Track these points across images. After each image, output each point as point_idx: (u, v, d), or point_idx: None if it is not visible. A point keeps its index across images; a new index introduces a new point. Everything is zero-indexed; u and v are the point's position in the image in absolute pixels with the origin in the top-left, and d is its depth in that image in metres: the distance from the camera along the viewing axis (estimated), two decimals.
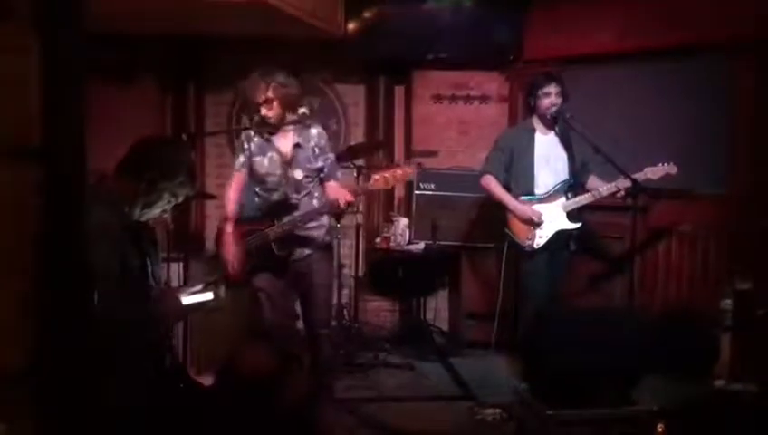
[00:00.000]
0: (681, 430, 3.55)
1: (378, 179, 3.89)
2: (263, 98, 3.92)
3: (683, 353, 4.53)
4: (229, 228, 4.00)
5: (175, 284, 4.25)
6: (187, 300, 2.70)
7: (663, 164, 4.45)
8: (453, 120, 6.13)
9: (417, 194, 5.77)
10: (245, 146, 4.08)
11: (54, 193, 1.87)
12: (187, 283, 3.66)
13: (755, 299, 4.30)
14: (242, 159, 4.09)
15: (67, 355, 1.88)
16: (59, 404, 1.85)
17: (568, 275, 4.89)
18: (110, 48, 4.90)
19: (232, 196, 4.08)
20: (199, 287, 2.75)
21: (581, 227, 4.68)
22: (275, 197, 4.04)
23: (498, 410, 4.11)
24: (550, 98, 4.59)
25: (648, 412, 3.45)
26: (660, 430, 3.21)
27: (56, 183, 1.88)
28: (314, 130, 4.09)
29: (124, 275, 2.45)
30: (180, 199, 2.75)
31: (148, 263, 2.65)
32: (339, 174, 4.18)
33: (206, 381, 3.03)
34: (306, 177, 4.02)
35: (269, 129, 4.01)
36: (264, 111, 3.94)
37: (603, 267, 5.34)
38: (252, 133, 4.10)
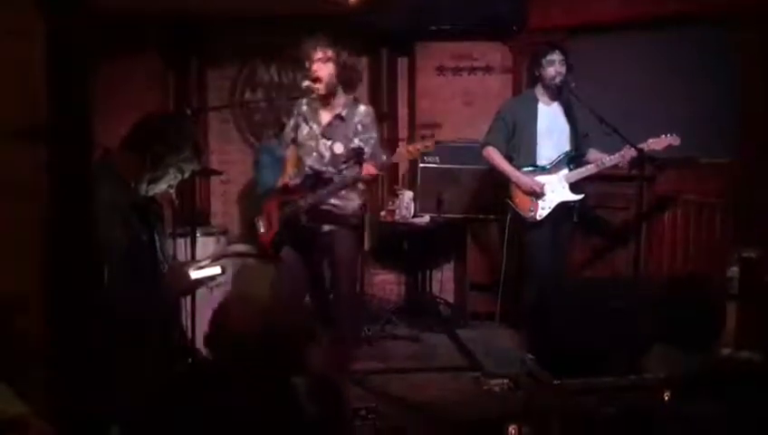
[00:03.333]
0: (688, 398, 3.57)
1: (402, 152, 3.90)
2: (320, 55, 3.89)
3: (689, 322, 4.53)
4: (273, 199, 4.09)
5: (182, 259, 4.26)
6: (195, 274, 2.71)
7: (666, 135, 4.43)
8: (457, 91, 6.09)
9: (421, 167, 5.75)
10: (295, 113, 4.11)
11: (61, 171, 1.87)
12: (193, 258, 3.66)
13: (762, 267, 4.30)
14: (288, 130, 4.13)
15: (78, 329, 1.90)
16: (72, 375, 1.88)
17: (573, 246, 4.90)
18: (114, 25, 4.87)
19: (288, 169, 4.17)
20: (207, 261, 2.76)
21: (585, 198, 4.68)
22: (310, 168, 4.04)
23: (505, 381, 4.13)
24: (554, 66, 4.56)
25: (655, 381, 3.46)
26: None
27: (62, 162, 1.88)
28: (363, 108, 4.07)
29: (132, 251, 2.46)
30: (186, 174, 2.75)
31: (156, 238, 2.65)
32: (384, 157, 4.09)
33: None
34: (344, 153, 3.98)
35: (310, 97, 4.01)
36: (316, 70, 3.90)
37: (608, 238, 5.34)
38: (303, 102, 4.07)
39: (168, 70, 6.03)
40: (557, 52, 4.56)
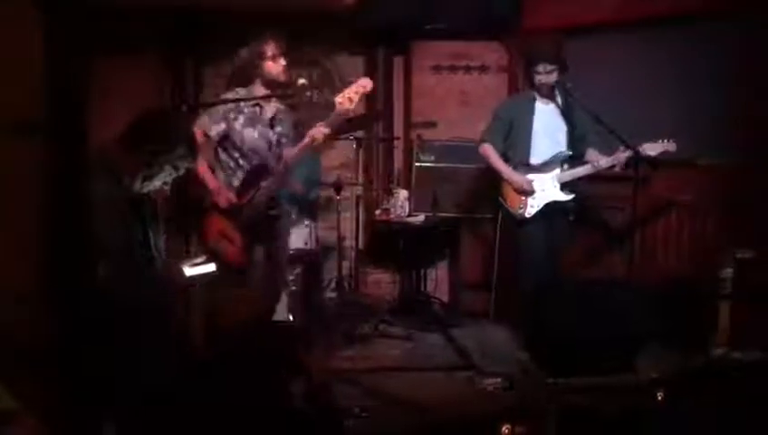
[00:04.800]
0: (681, 398, 3.58)
1: (341, 102, 4.00)
2: (271, 53, 4.06)
3: (682, 322, 4.55)
4: (233, 197, 4.10)
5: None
6: (189, 271, 2.71)
7: (663, 141, 4.44)
8: (452, 90, 6.09)
9: (416, 166, 5.76)
10: (231, 116, 4.16)
11: (57, 166, 1.87)
12: (188, 255, 3.66)
13: (756, 268, 4.32)
14: (222, 126, 4.16)
15: (73, 325, 1.89)
16: (66, 369, 1.87)
17: (568, 245, 4.91)
18: (111, 20, 4.85)
19: (209, 169, 4.20)
20: (202, 259, 2.76)
21: (578, 198, 4.71)
22: (254, 163, 4.17)
23: (499, 380, 4.13)
24: (541, 75, 4.61)
25: (649, 380, 3.47)
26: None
27: (59, 157, 1.88)
28: (280, 105, 4.32)
29: (126, 247, 2.46)
30: (181, 171, 2.75)
31: (150, 235, 2.65)
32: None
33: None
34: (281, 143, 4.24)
35: (278, 90, 4.15)
36: (269, 68, 4.09)
37: (604, 237, 5.35)
38: (242, 104, 4.14)
39: (164, 67, 6.01)
40: (547, 63, 4.58)
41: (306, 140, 4.08)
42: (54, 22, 1.80)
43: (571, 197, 4.68)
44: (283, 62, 4.15)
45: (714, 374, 4.11)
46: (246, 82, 4.23)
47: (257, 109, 4.23)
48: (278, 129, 4.27)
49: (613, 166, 4.53)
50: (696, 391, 3.84)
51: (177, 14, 5.80)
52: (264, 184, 4.13)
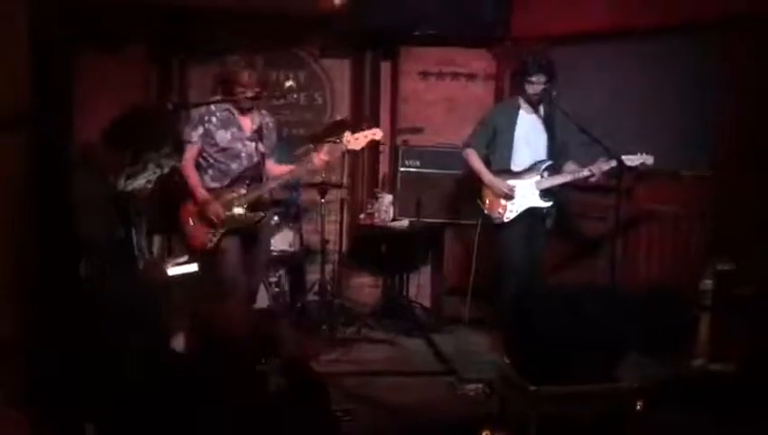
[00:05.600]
0: (660, 408, 3.60)
1: (349, 140, 4.29)
2: (245, 82, 4.19)
3: (663, 332, 4.58)
4: (205, 194, 4.17)
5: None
6: (171, 271, 2.70)
7: (641, 154, 4.49)
8: (439, 96, 6.11)
9: (401, 171, 5.78)
10: (207, 119, 4.24)
11: (42, 161, 1.85)
12: (170, 254, 3.64)
13: (736, 280, 4.35)
14: (200, 130, 4.22)
15: (54, 322, 1.88)
16: (47, 370, 1.86)
17: (547, 250, 4.95)
18: (97, 17, 4.82)
19: (193, 167, 4.23)
20: (184, 259, 2.75)
21: (556, 205, 4.77)
22: (235, 167, 4.25)
23: (480, 386, 4.14)
24: (535, 86, 4.66)
25: (629, 389, 3.48)
26: None
27: (44, 151, 1.86)
28: (264, 111, 4.49)
29: (109, 245, 2.45)
30: (166, 170, 2.74)
31: (133, 233, 2.64)
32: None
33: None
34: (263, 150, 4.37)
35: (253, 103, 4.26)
36: (247, 93, 4.21)
37: (585, 246, 5.37)
38: (213, 108, 4.25)
39: (150, 65, 5.97)
40: (542, 74, 4.63)
41: (307, 165, 4.36)
42: (41, 17, 1.78)
43: (549, 204, 4.74)
44: (254, 75, 4.28)
45: (693, 385, 4.14)
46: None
47: (227, 114, 4.32)
48: (265, 142, 4.40)
49: (592, 175, 4.57)
50: (675, 402, 3.87)
51: (164, 14, 5.76)
52: (247, 191, 4.23)
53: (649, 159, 4.49)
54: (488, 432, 3.34)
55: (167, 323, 3.00)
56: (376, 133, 4.42)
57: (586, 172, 4.60)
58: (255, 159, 4.33)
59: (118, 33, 5.71)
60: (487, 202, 4.80)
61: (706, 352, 4.36)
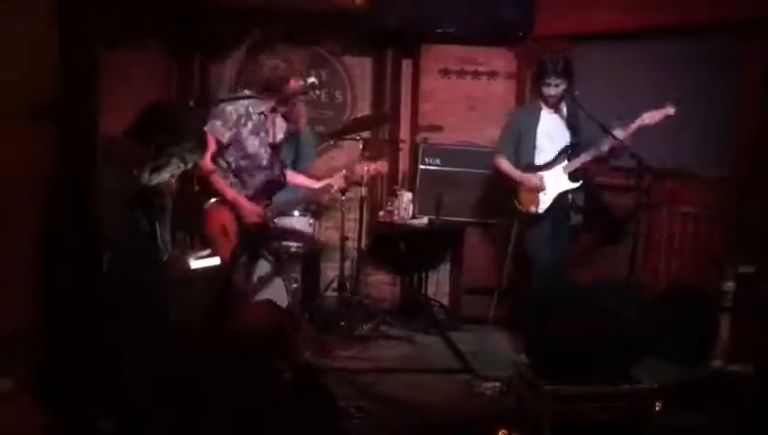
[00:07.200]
0: (678, 409, 3.58)
1: (359, 169, 4.51)
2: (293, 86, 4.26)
3: (683, 333, 4.55)
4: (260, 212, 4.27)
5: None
6: (194, 264, 2.72)
7: (662, 108, 4.44)
8: (460, 95, 6.10)
9: (421, 169, 5.78)
10: (241, 122, 4.22)
11: (68, 152, 1.87)
12: (192, 247, 3.67)
13: (757, 282, 4.32)
14: (233, 132, 4.20)
15: (76, 314, 1.90)
16: (66, 361, 1.88)
17: (572, 247, 4.96)
18: (119, 12, 4.86)
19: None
20: (207, 252, 2.78)
21: (586, 185, 4.82)
22: (261, 175, 4.31)
23: (497, 384, 4.14)
24: (551, 88, 4.69)
25: (648, 390, 3.47)
26: None
27: (70, 142, 1.89)
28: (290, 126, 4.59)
29: (133, 238, 2.47)
30: (189, 165, 2.76)
31: (157, 227, 2.66)
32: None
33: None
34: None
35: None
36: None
37: (606, 246, 5.35)
38: (251, 110, 4.15)
39: (171, 61, 6.01)
40: (556, 76, 4.65)
41: (324, 184, 4.50)
42: (68, 6, 1.79)
43: (578, 184, 4.77)
44: (300, 81, 4.30)
45: (712, 386, 4.11)
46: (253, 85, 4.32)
47: (262, 117, 4.31)
48: (284, 154, 4.52)
49: (613, 151, 4.55)
50: (694, 403, 3.84)
51: (186, 9, 5.80)
52: (274, 202, 4.32)
53: (671, 111, 4.42)
54: (505, 432, 3.34)
55: (189, 316, 3.04)
56: (381, 171, 4.70)
57: (607, 146, 4.55)
58: (277, 171, 4.37)
59: (139, 29, 5.77)
60: (522, 201, 4.84)
61: (726, 354, 4.34)
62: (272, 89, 4.23)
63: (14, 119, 1.78)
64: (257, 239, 4.22)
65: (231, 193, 4.16)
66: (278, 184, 4.32)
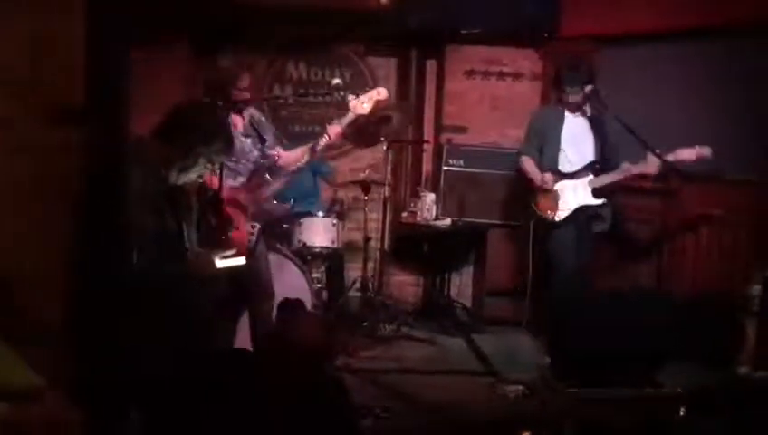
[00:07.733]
0: (703, 414, 3.55)
1: (354, 105, 4.08)
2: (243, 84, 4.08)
3: (708, 338, 4.51)
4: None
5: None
6: (220, 263, 2.74)
7: (698, 147, 4.40)
8: (485, 96, 6.08)
9: (445, 170, 5.77)
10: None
11: (98, 153, 1.90)
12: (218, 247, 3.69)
13: None
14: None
15: (107, 313, 1.92)
16: (97, 359, 1.90)
17: (595, 255, 4.90)
18: (145, 13, 4.90)
19: None
20: (232, 251, 2.79)
21: (609, 207, 4.72)
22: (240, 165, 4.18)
23: (520, 387, 4.12)
24: (569, 95, 4.69)
25: (672, 395, 3.44)
26: None
27: (100, 143, 1.91)
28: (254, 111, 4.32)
29: (160, 237, 2.49)
30: (216, 165, 2.78)
31: (184, 226, 2.68)
32: None
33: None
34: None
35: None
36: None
37: (632, 250, 5.31)
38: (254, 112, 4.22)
39: (198, 62, 6.06)
40: (576, 84, 4.64)
41: (324, 139, 4.15)
42: (98, 7, 1.81)
43: (601, 201, 4.69)
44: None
45: (737, 392, 4.07)
46: None
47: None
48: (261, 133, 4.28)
49: (645, 175, 4.50)
50: (719, 409, 3.81)
51: (213, 9, 5.83)
52: (267, 184, 4.17)
53: (707, 151, 4.35)
54: (528, 434, 3.33)
55: (215, 314, 3.07)
56: (380, 93, 4.20)
57: (638, 169, 4.52)
58: (255, 154, 4.19)
59: (167, 30, 5.82)
60: (540, 203, 4.79)
61: (752, 359, 4.29)
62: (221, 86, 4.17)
63: (45, 120, 1.80)
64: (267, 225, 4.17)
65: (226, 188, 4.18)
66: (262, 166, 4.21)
